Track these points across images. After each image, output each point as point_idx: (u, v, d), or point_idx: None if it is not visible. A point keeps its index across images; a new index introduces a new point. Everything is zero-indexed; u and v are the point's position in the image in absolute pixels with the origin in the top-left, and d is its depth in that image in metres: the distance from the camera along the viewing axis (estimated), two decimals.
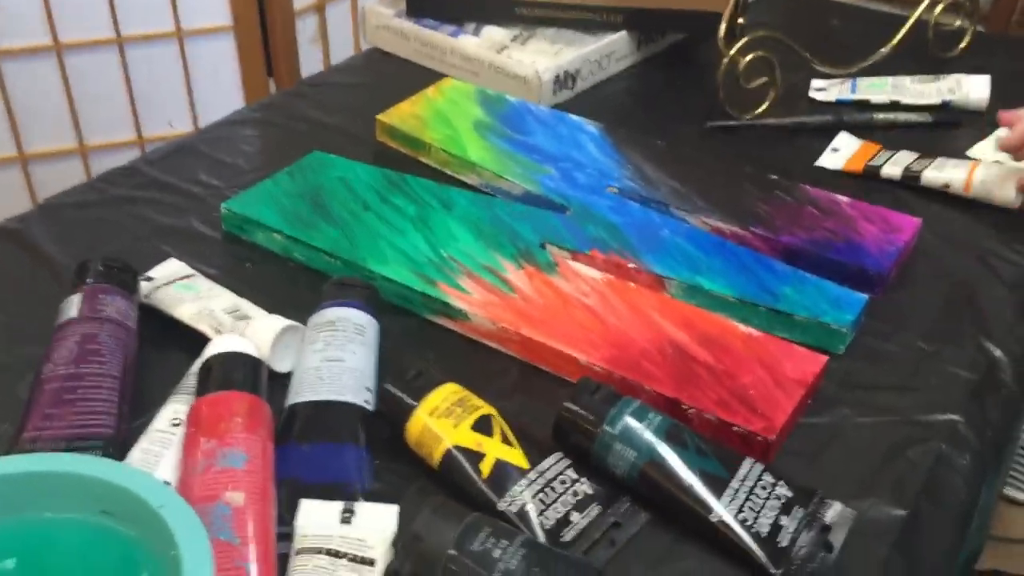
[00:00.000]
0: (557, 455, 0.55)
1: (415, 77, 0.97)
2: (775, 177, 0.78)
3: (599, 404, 0.55)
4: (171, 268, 0.68)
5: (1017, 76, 0.98)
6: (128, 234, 0.74)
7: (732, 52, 0.88)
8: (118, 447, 0.53)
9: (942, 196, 0.80)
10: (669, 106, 0.95)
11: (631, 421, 0.54)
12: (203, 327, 0.62)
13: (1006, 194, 0.77)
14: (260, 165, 0.83)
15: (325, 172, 0.78)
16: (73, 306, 0.59)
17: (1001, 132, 0.88)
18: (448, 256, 0.69)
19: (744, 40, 0.88)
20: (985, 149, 0.86)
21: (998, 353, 0.65)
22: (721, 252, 0.70)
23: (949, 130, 0.90)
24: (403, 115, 0.87)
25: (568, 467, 0.54)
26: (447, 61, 0.99)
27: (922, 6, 1.00)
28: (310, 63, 1.56)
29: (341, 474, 0.52)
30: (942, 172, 0.80)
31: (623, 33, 1.00)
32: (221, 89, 1.49)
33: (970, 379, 0.63)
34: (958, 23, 1.04)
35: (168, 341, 0.63)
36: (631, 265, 0.69)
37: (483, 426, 0.54)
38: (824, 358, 0.61)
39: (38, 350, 0.57)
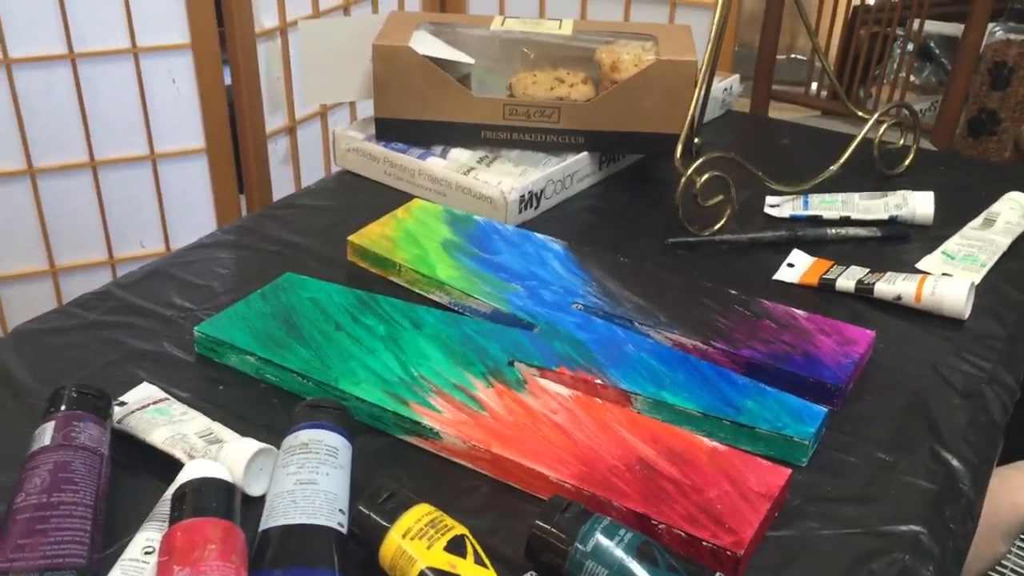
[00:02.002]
0: (529, 574, 0.55)
1: (384, 198, 1.01)
2: (734, 292, 0.81)
3: (570, 522, 0.56)
4: (144, 392, 0.69)
5: (959, 190, 1.03)
6: (101, 359, 0.75)
7: (689, 172, 0.92)
8: None
9: (895, 307, 0.83)
10: (630, 223, 0.99)
11: (602, 538, 0.55)
12: (176, 452, 0.62)
13: (955, 305, 0.81)
14: (233, 287, 0.85)
15: (297, 293, 0.80)
16: (46, 434, 0.59)
17: (948, 246, 0.92)
18: (419, 375, 0.71)
19: (700, 161, 0.92)
20: (933, 262, 0.90)
21: (955, 462, 0.67)
22: (684, 366, 0.72)
23: (898, 244, 0.94)
24: (373, 236, 0.90)
25: None
26: (416, 182, 1.03)
27: (867, 126, 1.06)
28: (281, 182, 1.59)
29: None
30: (893, 285, 0.83)
31: (585, 154, 1.04)
32: (192, 208, 1.52)
33: (929, 488, 0.64)
34: (902, 141, 1.10)
35: (141, 466, 0.63)
36: (598, 381, 0.71)
37: (456, 547, 0.55)
38: (788, 471, 0.63)
39: (11, 478, 0.58)
